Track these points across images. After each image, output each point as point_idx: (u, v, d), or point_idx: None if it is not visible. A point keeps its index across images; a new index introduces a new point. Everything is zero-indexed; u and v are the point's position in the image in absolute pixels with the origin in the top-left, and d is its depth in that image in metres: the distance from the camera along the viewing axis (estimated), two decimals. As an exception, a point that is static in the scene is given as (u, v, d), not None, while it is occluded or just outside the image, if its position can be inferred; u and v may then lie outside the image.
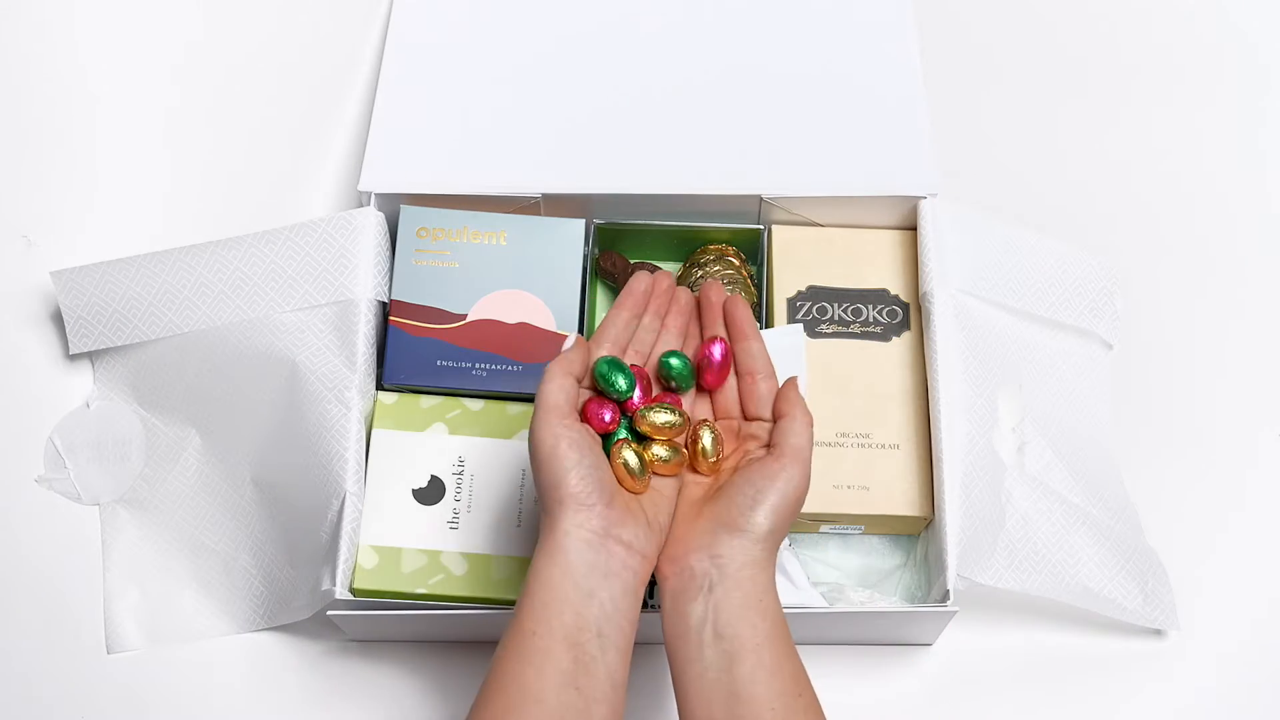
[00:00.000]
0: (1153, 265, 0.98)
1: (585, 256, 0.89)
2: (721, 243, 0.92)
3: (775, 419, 0.73)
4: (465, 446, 0.84)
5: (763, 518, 0.68)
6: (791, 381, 0.74)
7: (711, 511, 0.70)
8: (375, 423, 0.84)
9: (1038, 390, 0.89)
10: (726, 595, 0.67)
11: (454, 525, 0.82)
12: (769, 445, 0.72)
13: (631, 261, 0.93)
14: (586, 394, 0.72)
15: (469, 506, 0.83)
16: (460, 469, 0.84)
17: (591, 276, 0.91)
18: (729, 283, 0.90)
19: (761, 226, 0.90)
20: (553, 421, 0.68)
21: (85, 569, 0.88)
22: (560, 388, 0.69)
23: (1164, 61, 1.08)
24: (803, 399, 0.73)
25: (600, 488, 0.68)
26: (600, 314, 0.94)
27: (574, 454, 0.67)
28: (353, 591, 0.80)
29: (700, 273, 0.90)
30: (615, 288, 0.93)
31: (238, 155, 1.02)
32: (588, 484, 0.67)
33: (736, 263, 0.91)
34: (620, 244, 0.93)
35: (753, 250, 0.92)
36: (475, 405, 0.85)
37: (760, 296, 0.90)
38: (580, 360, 0.71)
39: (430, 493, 0.83)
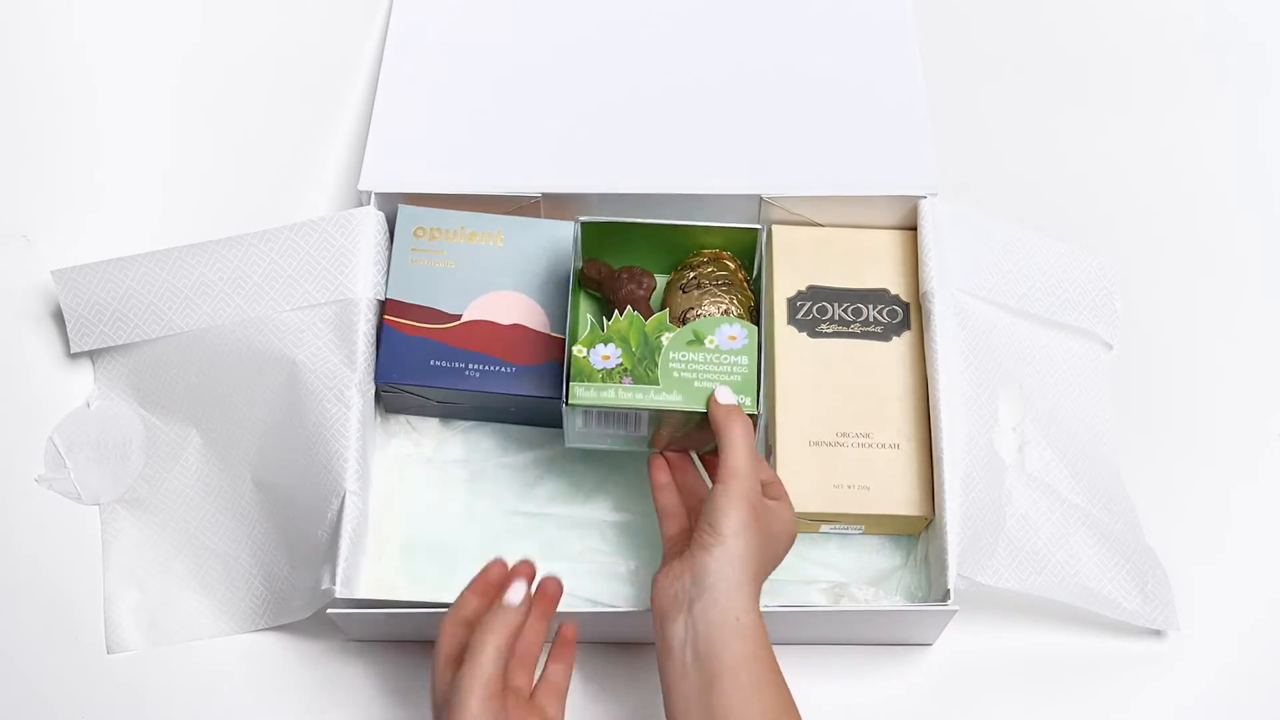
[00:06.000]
0: (1153, 265, 0.98)
1: (571, 261, 0.88)
2: (715, 246, 0.87)
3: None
4: None
5: (728, 520, 0.71)
6: (729, 415, 0.76)
7: (688, 549, 0.73)
8: None
9: (1038, 390, 0.89)
10: (704, 612, 0.69)
11: None
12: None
13: (617, 269, 0.86)
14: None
15: None
16: None
17: (575, 284, 0.84)
18: (724, 287, 0.85)
19: (759, 227, 0.85)
20: (480, 686, 0.67)
21: (85, 569, 0.87)
22: (497, 654, 0.68)
23: (1164, 62, 1.08)
24: (739, 425, 0.75)
25: None
26: (583, 324, 0.86)
27: None
28: None
29: (693, 275, 0.86)
30: (599, 297, 0.87)
31: (238, 154, 1.02)
32: None
33: (732, 266, 0.86)
34: (608, 245, 0.85)
35: (749, 253, 0.87)
36: None
37: (758, 299, 0.86)
38: (522, 620, 0.70)
39: None
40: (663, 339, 0.80)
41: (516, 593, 0.71)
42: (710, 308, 0.84)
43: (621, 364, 0.79)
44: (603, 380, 0.79)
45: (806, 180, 0.90)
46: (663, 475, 0.82)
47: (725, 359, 0.80)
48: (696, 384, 0.79)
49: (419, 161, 0.91)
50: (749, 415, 0.78)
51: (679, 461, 0.82)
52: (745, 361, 0.80)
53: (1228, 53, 1.08)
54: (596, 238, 0.85)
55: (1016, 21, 1.09)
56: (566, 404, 0.79)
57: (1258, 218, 1.01)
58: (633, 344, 0.80)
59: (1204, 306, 0.97)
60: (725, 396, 0.77)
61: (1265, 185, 1.02)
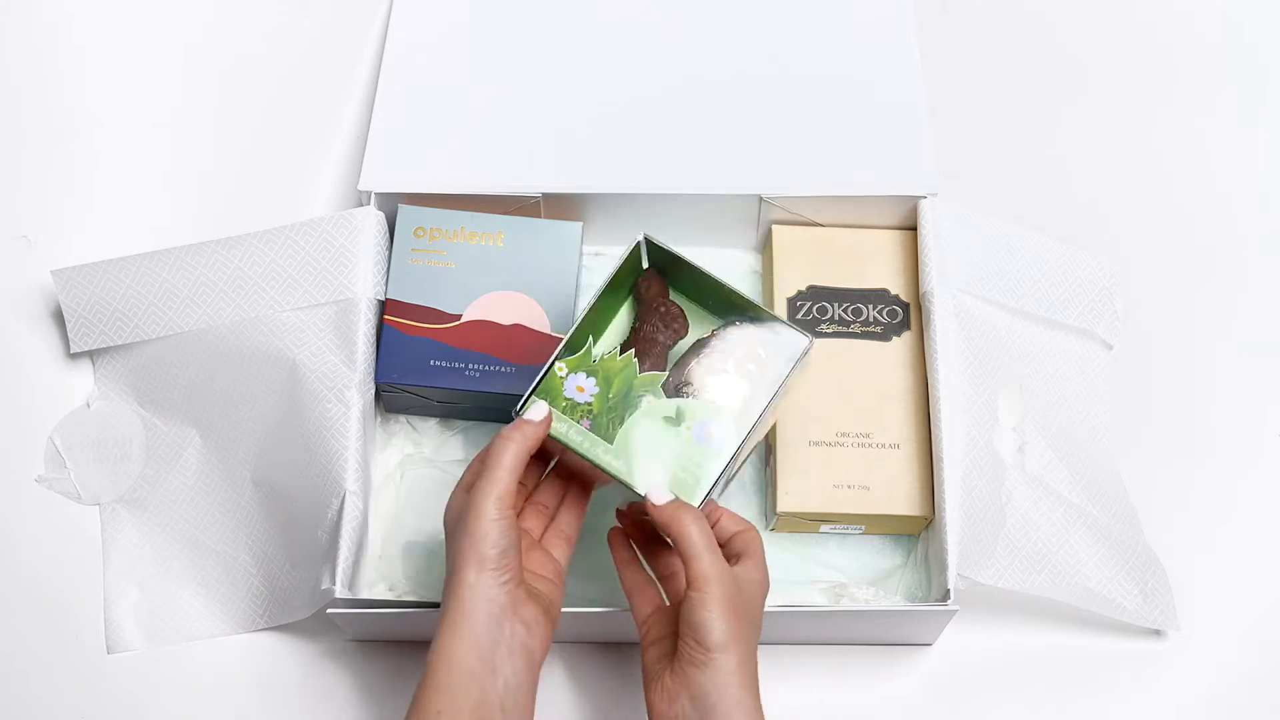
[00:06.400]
0: (1153, 265, 0.98)
1: (581, 258, 0.89)
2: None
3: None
4: None
5: (713, 634, 0.67)
6: (674, 514, 0.70)
7: (677, 663, 0.69)
8: None
9: (1038, 390, 0.89)
10: None
11: None
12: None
13: (663, 300, 0.79)
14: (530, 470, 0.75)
15: None
16: None
17: (604, 289, 0.77)
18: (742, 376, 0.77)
19: (809, 340, 0.77)
20: (496, 497, 0.69)
21: (85, 569, 0.87)
22: (515, 463, 0.70)
23: (1164, 61, 1.08)
24: (690, 522, 0.69)
25: (514, 565, 0.69)
26: (617, 325, 0.79)
27: (502, 530, 0.69)
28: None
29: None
30: (635, 308, 0.80)
31: (238, 155, 1.02)
32: (506, 558, 0.69)
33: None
34: (671, 270, 0.79)
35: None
36: None
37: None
38: (541, 436, 0.72)
39: None
40: (642, 401, 0.75)
41: (538, 410, 0.73)
42: (709, 393, 0.76)
43: (590, 404, 0.74)
44: (562, 410, 0.74)
45: (806, 180, 0.90)
46: (623, 550, 0.76)
47: (691, 453, 0.74)
48: (649, 462, 0.73)
49: (419, 161, 0.91)
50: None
51: (637, 529, 0.77)
52: (710, 466, 0.73)
53: (1226, 52, 1.08)
54: (660, 257, 0.78)
55: (1016, 21, 1.09)
56: (516, 412, 0.73)
57: (1257, 217, 1.01)
58: (612, 390, 0.75)
59: (1204, 306, 0.98)
60: (659, 497, 0.71)
61: (1265, 185, 1.02)
